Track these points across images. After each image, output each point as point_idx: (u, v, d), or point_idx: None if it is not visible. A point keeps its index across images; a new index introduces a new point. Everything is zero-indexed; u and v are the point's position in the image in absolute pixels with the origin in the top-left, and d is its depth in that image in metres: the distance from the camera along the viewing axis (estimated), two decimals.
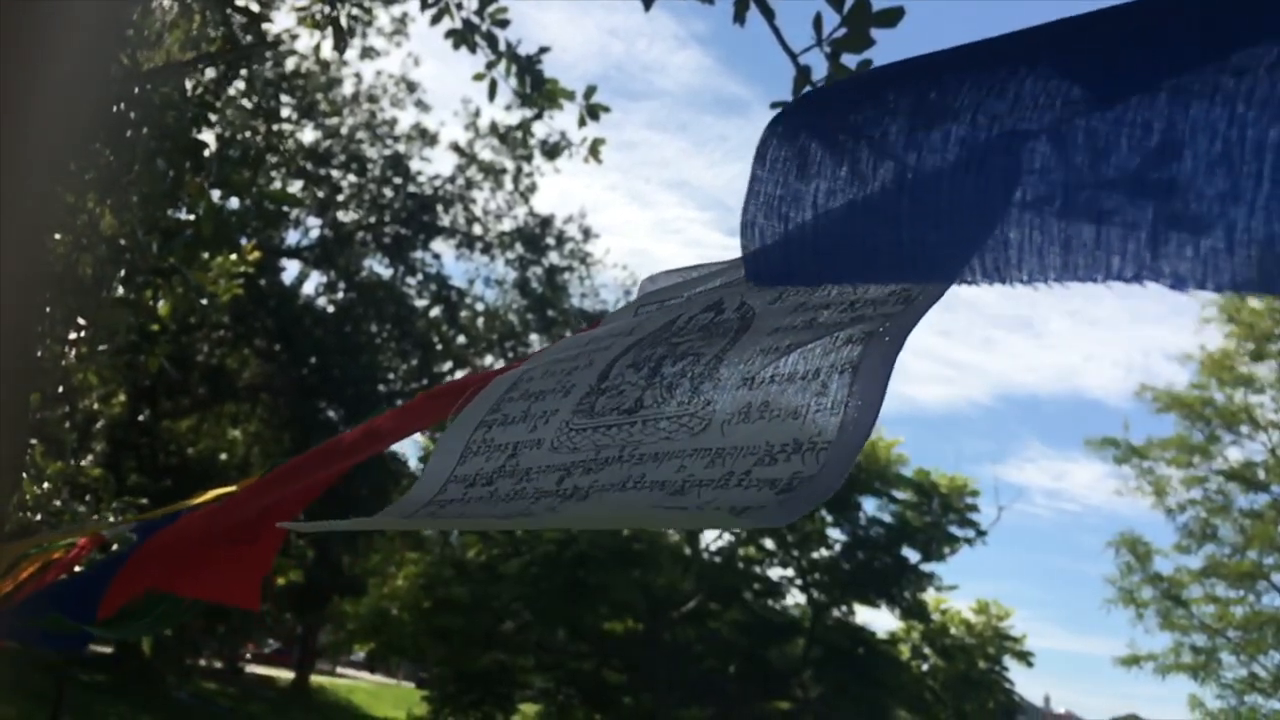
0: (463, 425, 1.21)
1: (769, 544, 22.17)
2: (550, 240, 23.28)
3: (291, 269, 23.63)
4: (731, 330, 1.01)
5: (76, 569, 2.07)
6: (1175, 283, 0.64)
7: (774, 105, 2.76)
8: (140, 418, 19.21)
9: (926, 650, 22.22)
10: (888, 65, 0.87)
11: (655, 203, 73.17)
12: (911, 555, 21.93)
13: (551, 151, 21.80)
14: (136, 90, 3.40)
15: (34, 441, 4.29)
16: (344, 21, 4.70)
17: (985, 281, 0.74)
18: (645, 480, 0.92)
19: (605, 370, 1.09)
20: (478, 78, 4.61)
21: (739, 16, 2.45)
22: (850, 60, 2.49)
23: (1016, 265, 0.71)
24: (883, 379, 0.83)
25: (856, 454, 0.80)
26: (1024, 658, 22.39)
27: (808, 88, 2.59)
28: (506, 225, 23.09)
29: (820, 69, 2.57)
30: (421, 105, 22.80)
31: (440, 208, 22.94)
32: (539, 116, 4.86)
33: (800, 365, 0.90)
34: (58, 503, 4.47)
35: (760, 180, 0.88)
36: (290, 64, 19.72)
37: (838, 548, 22.16)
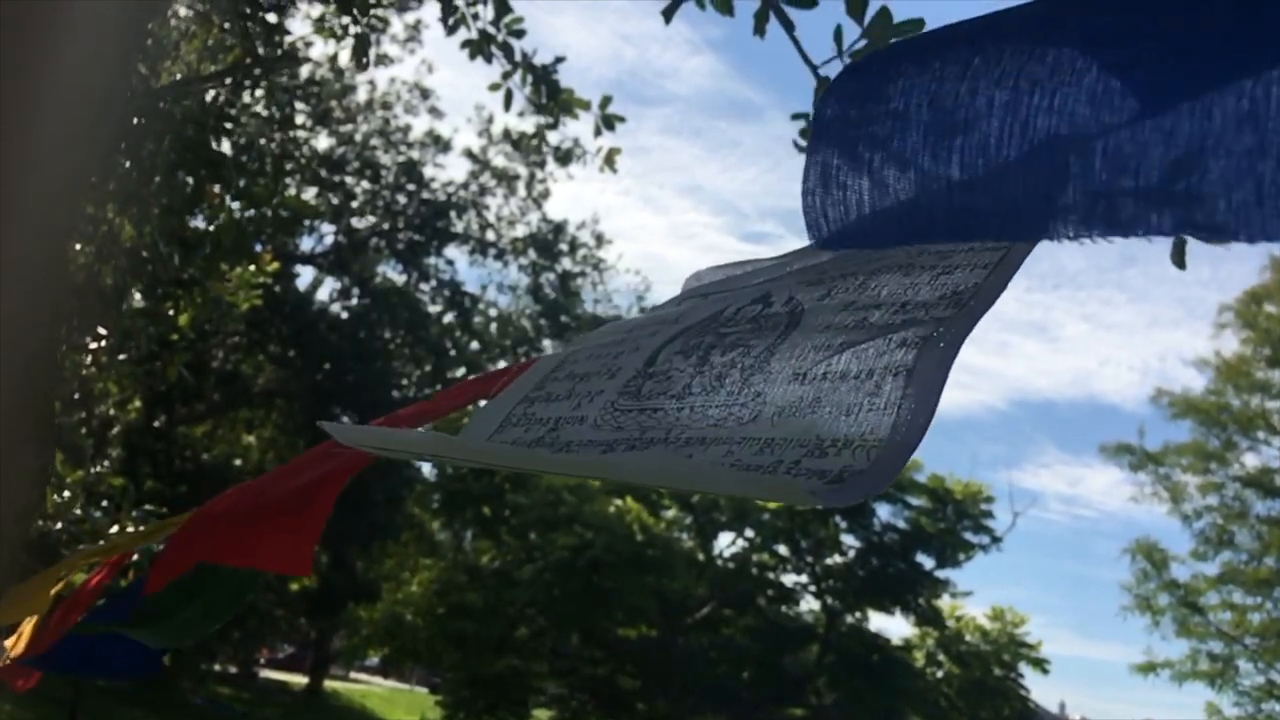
0: (504, 400, 1.22)
1: (783, 550, 22.11)
2: (563, 246, 23.32)
3: (306, 275, 23.75)
4: (781, 325, 1.01)
5: (100, 603, 2.03)
6: (1207, 234, 0.66)
7: (795, 116, 2.76)
8: (156, 424, 19.29)
9: (941, 657, 22.10)
10: (928, 33, 0.89)
11: (669, 208, 73.13)
12: (926, 561, 21.83)
13: (565, 158, 21.89)
14: (157, 104, 3.42)
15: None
16: (361, 31, 4.71)
17: (1032, 238, 0.76)
18: (692, 460, 0.92)
19: (652, 356, 1.09)
20: (493, 88, 4.62)
21: (759, 29, 2.45)
22: None
23: (1063, 222, 0.72)
24: (938, 384, 0.83)
25: (909, 454, 0.81)
26: (1039, 664, 22.25)
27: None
28: (520, 231, 23.15)
29: None
30: (435, 112, 22.91)
31: (454, 214, 23.00)
32: (554, 125, 4.86)
33: (853, 364, 0.90)
34: (77, 511, 4.49)
35: (817, 151, 0.89)
36: (305, 71, 19.81)
37: (852, 554, 22.07)
